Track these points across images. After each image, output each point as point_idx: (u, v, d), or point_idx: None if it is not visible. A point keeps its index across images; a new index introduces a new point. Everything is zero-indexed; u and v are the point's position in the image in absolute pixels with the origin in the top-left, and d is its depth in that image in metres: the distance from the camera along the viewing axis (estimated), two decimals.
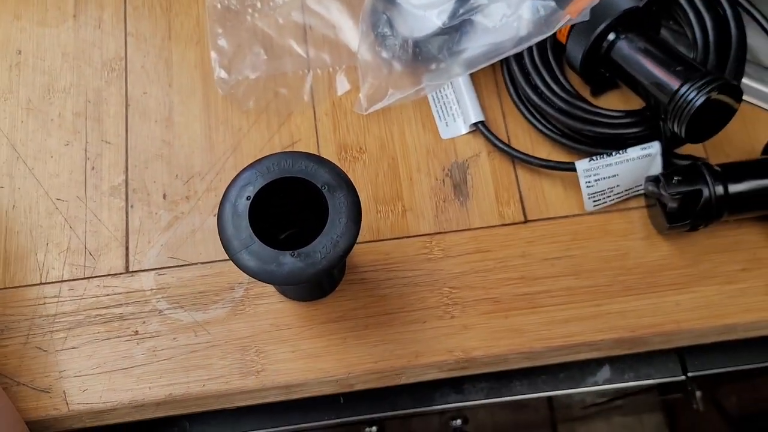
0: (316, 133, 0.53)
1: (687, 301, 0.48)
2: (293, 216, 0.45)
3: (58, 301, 0.49)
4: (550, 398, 0.62)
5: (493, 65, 0.52)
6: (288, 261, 0.39)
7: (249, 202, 0.40)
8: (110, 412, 0.46)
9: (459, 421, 0.66)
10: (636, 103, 0.52)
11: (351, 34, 0.56)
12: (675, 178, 0.46)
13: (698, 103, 0.44)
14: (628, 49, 0.49)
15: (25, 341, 0.48)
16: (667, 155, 0.49)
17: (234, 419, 0.53)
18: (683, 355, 0.55)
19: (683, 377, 0.55)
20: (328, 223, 0.40)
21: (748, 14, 0.51)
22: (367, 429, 0.60)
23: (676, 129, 0.46)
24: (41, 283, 0.49)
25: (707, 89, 0.44)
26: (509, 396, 0.55)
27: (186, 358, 0.47)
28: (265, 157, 0.42)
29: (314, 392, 0.47)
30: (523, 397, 0.55)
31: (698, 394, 0.63)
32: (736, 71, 0.49)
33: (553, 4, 0.46)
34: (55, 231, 0.51)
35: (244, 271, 0.39)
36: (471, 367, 0.47)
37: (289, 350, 0.47)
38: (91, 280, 0.50)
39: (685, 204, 0.47)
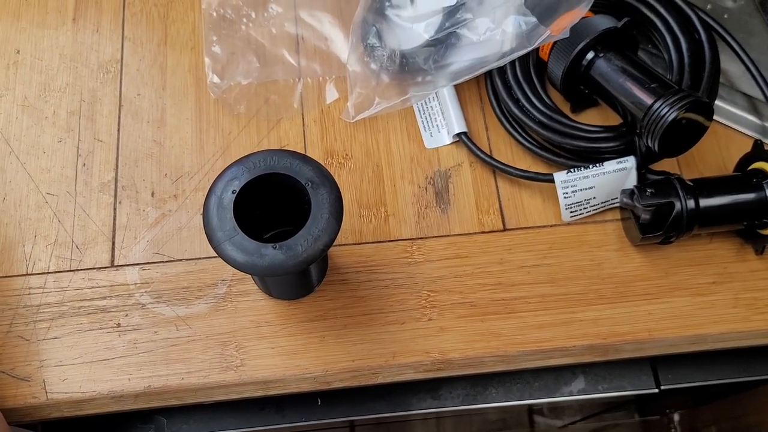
0: (304, 138, 0.55)
1: (659, 311, 0.49)
2: (277, 214, 0.46)
3: (42, 292, 0.50)
4: (531, 422, 0.62)
5: (477, 79, 0.54)
6: (269, 253, 0.40)
7: (234, 195, 0.42)
8: (89, 402, 0.47)
9: None
10: (614, 120, 0.54)
11: (341, 45, 0.58)
12: (648, 190, 0.48)
13: (670, 118, 0.46)
14: (606, 68, 0.51)
15: (8, 330, 0.48)
16: (642, 170, 0.51)
17: (210, 417, 0.54)
18: (656, 368, 0.56)
19: (656, 390, 0.56)
20: (310, 219, 0.41)
21: (722, 39, 0.54)
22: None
23: (649, 143, 0.48)
24: (27, 274, 0.50)
25: (679, 105, 0.46)
26: (485, 403, 0.55)
27: (166, 351, 0.48)
28: (251, 153, 0.43)
29: (292, 389, 0.48)
30: (498, 405, 0.55)
31: (676, 418, 0.63)
32: (709, 92, 0.51)
33: (534, 20, 0.48)
34: (43, 224, 0.52)
35: (226, 261, 0.41)
36: (447, 369, 0.48)
37: (269, 347, 0.48)
38: (76, 272, 0.50)
39: (658, 216, 0.48)
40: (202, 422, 0.53)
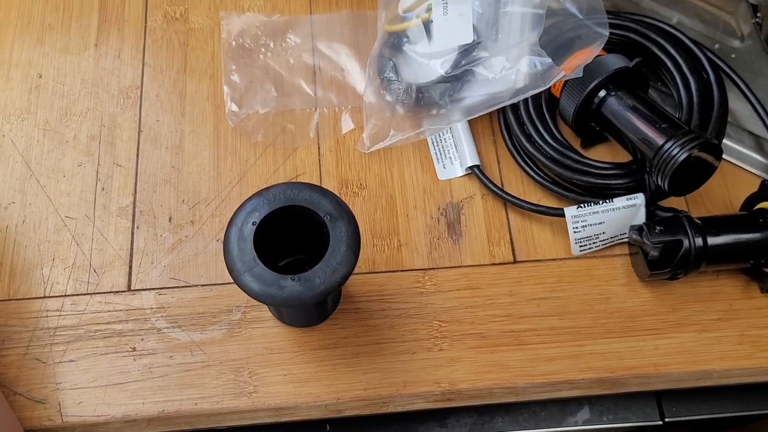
0: (320, 167, 0.56)
1: (665, 346, 0.50)
2: (294, 243, 0.47)
3: (60, 315, 0.50)
4: None
5: (490, 113, 0.56)
6: (288, 284, 0.41)
7: (254, 227, 0.43)
8: (103, 426, 0.48)
9: None
10: (623, 156, 0.55)
11: (357, 77, 0.59)
12: (657, 227, 0.49)
13: (681, 158, 0.47)
14: (617, 106, 0.52)
15: (25, 352, 0.49)
16: (651, 207, 0.52)
17: None
18: (661, 400, 0.57)
19: (660, 422, 0.57)
20: (328, 251, 0.42)
21: (730, 79, 0.55)
22: None
23: (659, 182, 0.49)
24: (45, 297, 0.51)
25: (690, 146, 0.47)
26: None
27: (180, 376, 0.49)
28: (272, 186, 0.44)
29: (303, 416, 0.49)
30: None
31: None
32: (717, 131, 0.53)
33: (549, 60, 0.49)
34: (62, 247, 0.53)
35: (246, 292, 0.41)
36: (456, 399, 0.49)
37: (282, 374, 0.49)
38: (93, 296, 0.51)
39: (666, 253, 0.49)
40: None
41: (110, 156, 0.56)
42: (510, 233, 0.54)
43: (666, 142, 0.48)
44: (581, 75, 0.51)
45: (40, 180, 0.55)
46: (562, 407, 0.56)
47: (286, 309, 0.48)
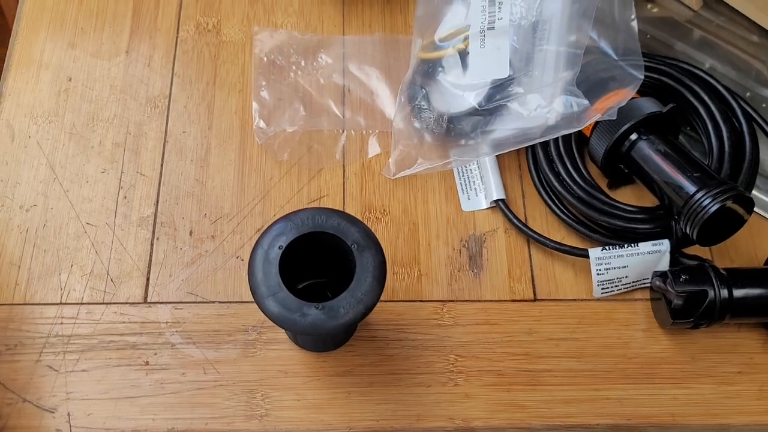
0: (344, 190, 0.56)
1: (683, 396, 0.50)
2: (317, 267, 0.47)
3: (75, 323, 0.50)
4: None
5: (517, 149, 0.55)
6: (312, 312, 0.41)
7: (281, 251, 0.42)
8: None
9: None
10: (648, 200, 0.55)
11: (387, 101, 0.59)
12: (683, 276, 0.49)
13: (712, 210, 0.47)
14: (648, 150, 0.52)
15: (38, 359, 0.49)
16: (676, 254, 0.51)
17: None
18: None
19: None
20: (354, 281, 0.42)
21: (761, 129, 0.54)
22: None
23: (688, 231, 0.49)
24: (61, 303, 0.51)
25: (722, 198, 0.47)
26: None
27: (192, 394, 0.48)
28: (300, 210, 0.44)
29: None
30: None
31: None
32: (748, 182, 0.52)
33: (586, 102, 0.49)
34: (80, 254, 0.52)
35: (268, 317, 0.41)
36: None
37: (295, 398, 0.48)
38: (109, 305, 0.51)
39: (690, 303, 0.49)
40: None
41: (134, 164, 0.56)
42: (531, 270, 0.53)
43: (698, 191, 0.48)
44: (615, 117, 0.51)
45: (64, 184, 0.55)
46: None
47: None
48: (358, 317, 0.41)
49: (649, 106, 0.52)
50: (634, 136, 0.52)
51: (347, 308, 0.41)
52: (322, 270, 0.47)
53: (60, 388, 0.48)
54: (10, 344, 0.49)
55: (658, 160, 0.51)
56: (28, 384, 0.48)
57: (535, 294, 0.53)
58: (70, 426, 0.47)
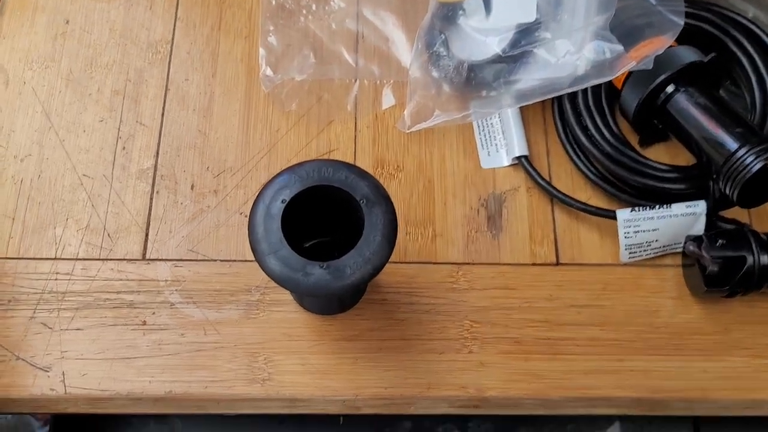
0: (355, 144, 0.52)
1: (714, 370, 0.46)
2: (324, 225, 0.44)
3: (70, 279, 0.48)
4: None
5: (542, 101, 0.51)
6: (316, 272, 0.38)
7: (284, 205, 0.39)
8: (107, 402, 0.45)
9: None
10: (682, 159, 0.51)
11: (403, 48, 0.55)
12: (719, 240, 0.45)
13: (755, 168, 0.43)
14: (685, 104, 0.48)
15: (32, 315, 0.46)
16: (712, 216, 0.48)
17: (228, 427, 0.52)
18: (698, 423, 0.53)
19: None
20: (362, 239, 0.39)
21: None
22: None
23: (727, 191, 0.45)
24: (56, 258, 0.48)
25: (766, 156, 0.43)
26: None
27: (191, 356, 0.46)
28: (305, 161, 0.41)
29: (318, 410, 0.46)
30: None
31: None
32: None
33: (620, 47, 0.44)
34: (76, 207, 0.50)
35: (269, 276, 0.38)
36: (483, 407, 0.46)
37: (299, 363, 0.46)
38: (105, 262, 0.48)
39: (726, 269, 0.45)
40: (220, 429, 0.51)
41: (133, 113, 0.53)
42: (554, 232, 0.50)
43: (740, 148, 0.44)
44: (651, 67, 0.46)
45: (60, 133, 0.52)
46: (590, 422, 0.53)
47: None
48: (365, 278, 0.38)
49: (688, 55, 0.48)
50: (670, 88, 0.48)
51: (354, 268, 0.38)
52: (328, 227, 0.44)
53: (54, 346, 0.46)
54: (3, 299, 0.47)
55: (696, 114, 0.47)
56: (21, 341, 0.46)
57: (557, 258, 0.49)
58: (65, 386, 0.45)
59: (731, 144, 0.44)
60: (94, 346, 0.46)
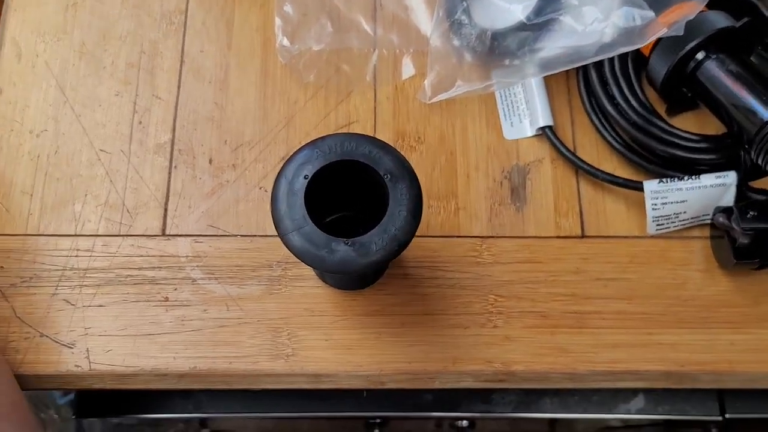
0: (375, 116, 0.51)
1: (742, 342, 0.46)
2: (346, 199, 0.43)
3: (91, 256, 0.47)
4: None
5: (566, 70, 0.50)
6: (341, 249, 0.37)
7: (306, 181, 0.38)
8: (132, 378, 0.45)
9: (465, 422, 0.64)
10: (711, 128, 0.50)
11: (423, 16, 0.53)
12: (750, 212, 0.44)
13: None
14: (717, 71, 0.46)
15: (54, 292, 0.46)
16: (743, 187, 0.47)
17: (252, 400, 0.52)
18: (723, 395, 0.53)
19: (720, 418, 0.53)
20: (387, 215, 0.38)
21: None
22: (371, 420, 0.58)
23: (759, 161, 0.44)
24: (76, 235, 0.48)
25: None
26: (538, 413, 0.53)
27: (214, 332, 0.46)
28: (327, 135, 0.40)
29: (343, 385, 0.45)
30: (552, 416, 0.53)
31: None
32: None
33: (651, 14, 0.43)
34: (95, 183, 0.49)
35: (292, 253, 0.38)
36: (509, 381, 0.45)
37: (322, 338, 0.45)
38: (126, 238, 0.48)
39: (757, 241, 0.44)
40: (244, 404, 0.52)
41: (149, 87, 0.52)
42: (580, 204, 0.49)
43: None
44: (681, 33, 0.45)
45: (75, 108, 0.51)
46: (615, 394, 0.53)
47: None
48: (390, 255, 0.37)
49: (720, 20, 0.46)
50: (701, 55, 0.47)
51: (379, 245, 0.37)
52: (351, 202, 0.43)
53: (77, 323, 0.46)
54: (25, 276, 0.47)
55: (728, 81, 0.46)
56: (44, 318, 0.46)
57: (583, 230, 0.48)
58: (89, 362, 0.45)
59: (764, 112, 0.43)
60: (117, 322, 0.46)
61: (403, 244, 0.38)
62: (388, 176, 0.39)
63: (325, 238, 0.37)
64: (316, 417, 0.53)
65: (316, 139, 0.40)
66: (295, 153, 0.39)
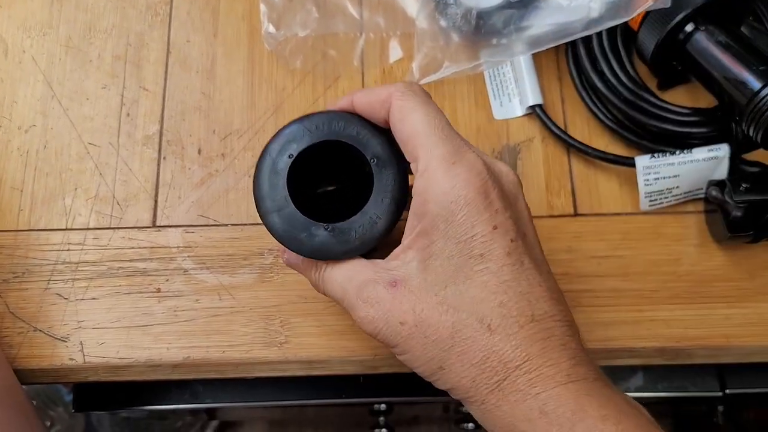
0: None
1: (738, 316, 0.45)
2: (332, 177, 0.42)
3: (82, 249, 0.47)
4: None
5: (555, 47, 0.49)
6: (320, 234, 0.37)
7: (291, 160, 0.38)
8: (126, 369, 0.45)
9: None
10: (703, 101, 0.49)
11: None
12: (743, 185, 0.43)
13: None
14: (706, 42, 0.46)
15: (46, 286, 0.46)
16: (735, 159, 0.46)
17: (248, 387, 0.52)
18: (722, 370, 0.52)
19: (720, 393, 0.52)
20: (370, 201, 0.37)
21: None
22: (376, 407, 0.58)
23: (751, 132, 0.43)
24: (67, 229, 0.48)
25: None
26: None
27: (207, 321, 0.46)
28: (314, 113, 0.39)
29: (337, 371, 0.45)
30: None
31: (720, 408, 0.60)
32: None
33: None
34: (84, 176, 0.49)
35: (271, 233, 0.37)
36: None
37: (315, 324, 0.45)
38: (116, 230, 0.48)
39: (750, 214, 0.44)
40: (239, 392, 0.52)
41: (136, 78, 0.52)
42: (572, 182, 0.49)
43: (764, 87, 0.42)
44: (668, 5, 0.44)
45: (63, 102, 0.51)
46: (613, 372, 0.52)
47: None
48: (370, 243, 0.37)
49: None
50: (690, 27, 0.46)
51: (359, 232, 0.37)
52: (338, 179, 0.43)
53: (71, 316, 0.46)
54: (17, 272, 0.47)
55: (717, 53, 0.45)
56: (38, 312, 0.46)
57: (575, 208, 0.48)
58: (83, 355, 0.45)
59: (754, 83, 0.42)
60: (110, 314, 0.46)
61: (384, 232, 0.37)
62: (375, 161, 0.38)
63: (304, 222, 0.37)
64: (320, 404, 0.53)
65: (303, 116, 0.38)
66: (281, 130, 0.38)
